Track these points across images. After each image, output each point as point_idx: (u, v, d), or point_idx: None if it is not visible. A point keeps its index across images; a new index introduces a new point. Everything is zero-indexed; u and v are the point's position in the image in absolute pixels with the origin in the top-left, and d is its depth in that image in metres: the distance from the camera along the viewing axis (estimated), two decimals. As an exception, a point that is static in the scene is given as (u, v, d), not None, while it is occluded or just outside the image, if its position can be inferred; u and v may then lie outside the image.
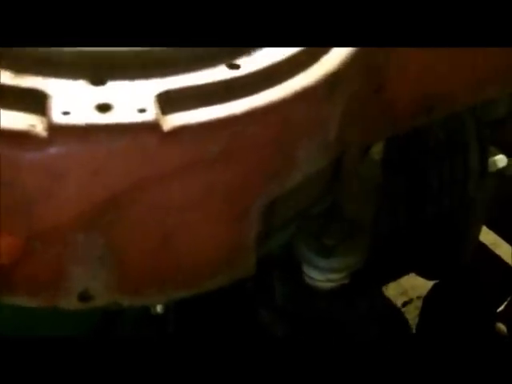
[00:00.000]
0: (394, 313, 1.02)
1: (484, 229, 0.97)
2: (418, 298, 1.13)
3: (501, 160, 0.85)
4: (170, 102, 0.45)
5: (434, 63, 0.62)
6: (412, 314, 1.13)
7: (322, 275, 0.57)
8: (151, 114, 0.44)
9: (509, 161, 0.87)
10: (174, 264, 0.48)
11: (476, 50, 0.63)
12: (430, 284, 1.01)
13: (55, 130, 0.42)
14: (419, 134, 0.74)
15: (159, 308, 0.61)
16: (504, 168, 0.86)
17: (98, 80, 0.45)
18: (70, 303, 0.47)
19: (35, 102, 0.44)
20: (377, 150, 0.67)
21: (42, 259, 0.45)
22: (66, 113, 0.43)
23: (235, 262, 0.51)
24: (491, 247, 1.10)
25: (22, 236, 0.44)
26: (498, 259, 1.08)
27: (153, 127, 0.43)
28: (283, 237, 0.57)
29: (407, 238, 0.80)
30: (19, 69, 0.45)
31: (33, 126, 0.43)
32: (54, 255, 0.45)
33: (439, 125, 0.77)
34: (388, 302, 1.05)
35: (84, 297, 0.47)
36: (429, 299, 1.02)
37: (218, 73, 0.47)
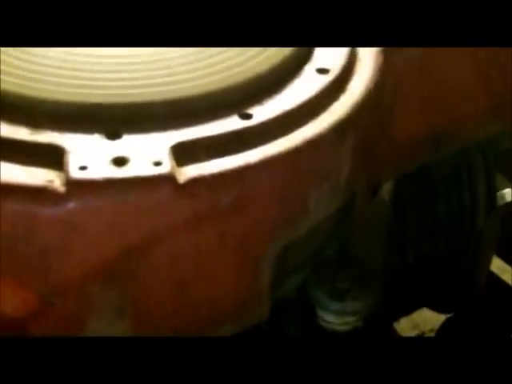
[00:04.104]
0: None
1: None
2: (431, 330, 1.12)
3: (509, 193, 0.86)
4: (184, 153, 0.46)
5: (439, 99, 0.63)
6: (424, 348, 1.11)
7: (336, 318, 0.58)
8: (166, 166, 0.44)
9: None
10: (189, 312, 0.49)
11: (479, 84, 0.64)
12: (442, 317, 1.00)
13: (73, 185, 0.43)
14: (427, 170, 0.75)
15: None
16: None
17: (113, 134, 0.46)
18: None
19: (52, 157, 0.45)
20: (386, 190, 0.68)
21: (59, 312, 0.46)
22: (83, 167, 0.44)
23: (249, 307, 0.51)
24: (497, 273, 1.09)
25: (38, 289, 0.45)
26: (504, 285, 1.07)
27: (168, 180, 0.44)
28: (296, 280, 0.57)
29: (418, 274, 0.80)
30: (36, 125, 0.46)
31: (50, 181, 0.43)
32: (71, 308, 0.46)
33: (446, 160, 0.78)
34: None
35: None
36: (442, 332, 1.02)
37: (231, 123, 0.48)
